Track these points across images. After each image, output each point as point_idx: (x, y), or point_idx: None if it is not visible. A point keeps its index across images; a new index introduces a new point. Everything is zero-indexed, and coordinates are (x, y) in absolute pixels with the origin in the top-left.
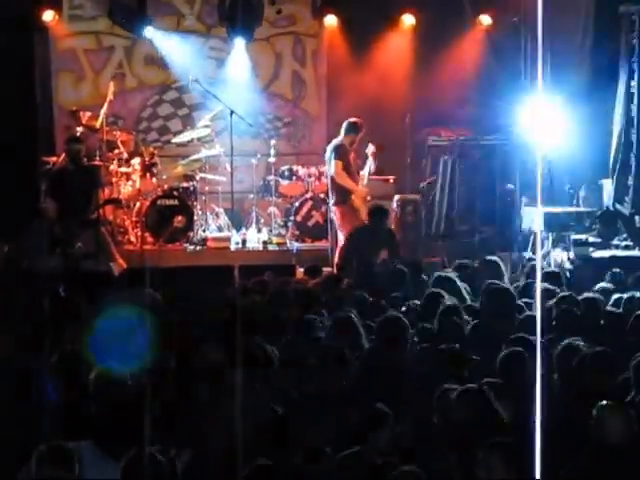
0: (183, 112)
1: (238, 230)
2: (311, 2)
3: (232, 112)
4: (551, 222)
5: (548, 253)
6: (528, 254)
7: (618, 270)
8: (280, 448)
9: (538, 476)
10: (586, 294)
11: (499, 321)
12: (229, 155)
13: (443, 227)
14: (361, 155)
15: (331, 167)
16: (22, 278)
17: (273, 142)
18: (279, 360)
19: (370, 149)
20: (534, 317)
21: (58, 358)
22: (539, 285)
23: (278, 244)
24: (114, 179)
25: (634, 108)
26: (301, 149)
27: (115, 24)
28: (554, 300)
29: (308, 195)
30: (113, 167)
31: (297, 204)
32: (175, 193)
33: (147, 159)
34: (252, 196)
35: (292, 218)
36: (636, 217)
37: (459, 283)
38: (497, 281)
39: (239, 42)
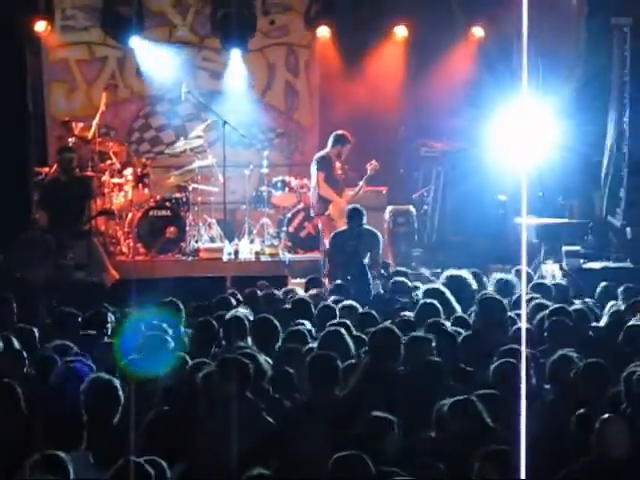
0: (176, 123)
1: (230, 241)
2: (304, 13)
3: (225, 123)
4: (543, 234)
5: (539, 264)
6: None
7: (608, 282)
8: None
9: None
10: (578, 305)
11: (492, 332)
12: (222, 166)
13: (435, 238)
14: (355, 168)
15: (312, 178)
16: (15, 289)
17: (266, 153)
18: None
19: (372, 165)
20: (527, 329)
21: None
22: (524, 295)
23: (270, 255)
24: (106, 190)
25: (626, 120)
26: (294, 160)
27: (108, 35)
28: (546, 312)
29: (300, 206)
30: (105, 178)
31: (289, 215)
32: (167, 204)
33: (139, 170)
34: (245, 207)
35: (284, 229)
36: (627, 229)
37: (448, 294)
38: (488, 292)
39: (235, 53)
